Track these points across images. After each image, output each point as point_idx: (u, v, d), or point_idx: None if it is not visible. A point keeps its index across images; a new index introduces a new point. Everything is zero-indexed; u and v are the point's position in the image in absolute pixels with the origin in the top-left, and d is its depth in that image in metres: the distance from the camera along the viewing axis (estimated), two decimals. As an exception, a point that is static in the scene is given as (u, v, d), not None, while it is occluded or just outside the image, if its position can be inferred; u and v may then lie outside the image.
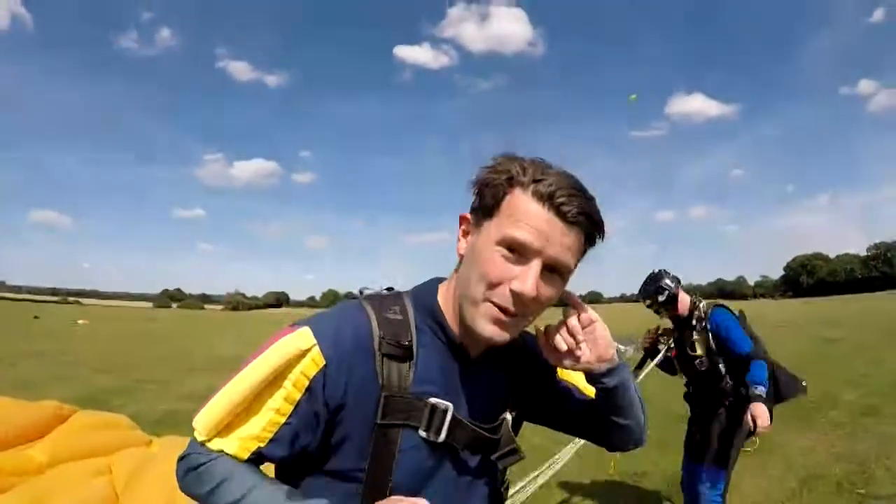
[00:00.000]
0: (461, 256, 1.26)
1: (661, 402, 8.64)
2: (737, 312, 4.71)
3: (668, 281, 4.81)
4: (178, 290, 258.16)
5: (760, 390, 4.26)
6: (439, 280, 1.37)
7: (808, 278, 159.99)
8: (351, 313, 1.24)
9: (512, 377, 1.41)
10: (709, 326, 4.66)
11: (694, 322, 4.76)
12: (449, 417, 1.23)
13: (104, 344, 26.62)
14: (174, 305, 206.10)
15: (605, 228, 1.21)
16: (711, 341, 4.65)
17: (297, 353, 1.15)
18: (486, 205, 1.19)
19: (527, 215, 1.14)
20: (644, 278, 4.94)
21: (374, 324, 1.22)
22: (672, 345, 5.05)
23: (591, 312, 1.30)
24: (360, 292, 1.34)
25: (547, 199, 1.13)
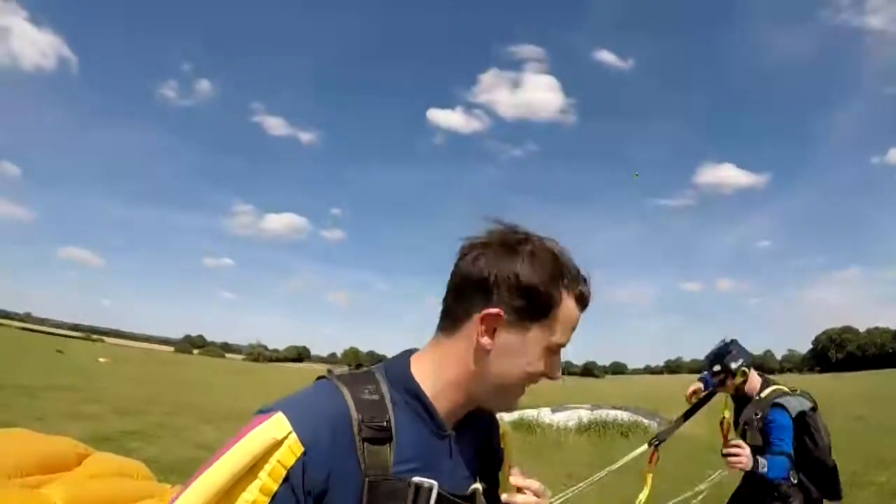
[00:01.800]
0: (486, 351, 1.25)
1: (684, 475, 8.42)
2: (808, 406, 4.51)
3: (737, 357, 4.57)
4: (201, 336, 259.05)
5: (762, 467, 4.17)
6: (410, 352, 1.36)
7: (836, 353, 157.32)
8: (326, 396, 1.21)
9: (480, 450, 1.41)
10: (764, 420, 4.49)
11: (757, 413, 4.53)
12: (434, 495, 1.20)
13: (124, 384, 26.71)
14: (195, 351, 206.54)
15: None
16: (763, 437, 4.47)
17: (272, 442, 1.11)
18: (537, 310, 1.23)
19: (572, 321, 1.27)
20: (714, 347, 4.70)
21: (352, 407, 1.19)
22: (727, 417, 4.75)
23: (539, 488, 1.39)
24: (330, 372, 1.31)
25: (581, 300, 1.28)
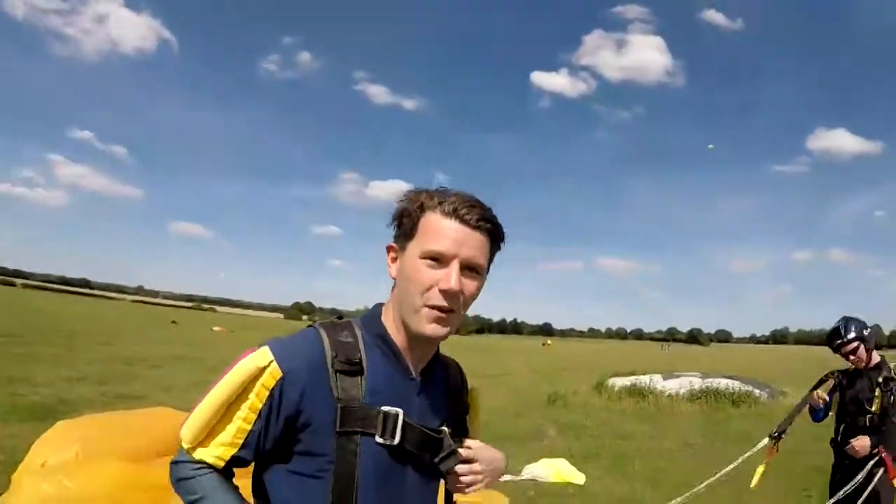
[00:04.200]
0: (394, 279, 1.51)
1: (798, 452, 8.64)
2: None
3: (865, 325, 4.77)
4: (309, 303, 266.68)
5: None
6: (382, 304, 1.58)
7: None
8: (306, 336, 1.46)
9: (449, 401, 1.63)
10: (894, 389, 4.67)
11: (881, 379, 4.72)
12: (400, 421, 1.42)
13: (240, 352, 27.58)
14: (304, 318, 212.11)
15: (503, 231, 1.51)
16: (891, 405, 4.65)
17: (256, 369, 1.36)
18: (406, 230, 1.45)
19: (440, 229, 1.40)
20: (836, 323, 4.86)
21: (327, 344, 1.42)
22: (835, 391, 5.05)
23: (488, 452, 1.62)
24: (314, 321, 1.54)
25: (452, 213, 1.41)
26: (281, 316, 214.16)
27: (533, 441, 11.31)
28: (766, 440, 5.13)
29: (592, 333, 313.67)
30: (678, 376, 20.86)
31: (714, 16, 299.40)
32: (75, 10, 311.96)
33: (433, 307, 1.41)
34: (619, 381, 19.81)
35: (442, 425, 1.55)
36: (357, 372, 1.41)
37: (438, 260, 1.40)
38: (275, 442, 1.38)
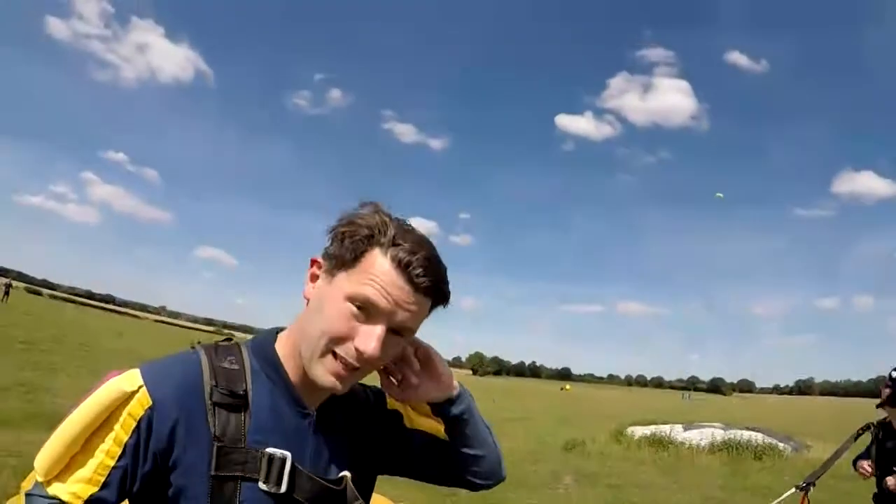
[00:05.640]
0: (307, 300, 1.26)
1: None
2: None
3: None
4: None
5: None
6: (279, 329, 1.33)
7: None
8: (183, 360, 1.21)
9: (354, 434, 1.36)
10: None
11: None
12: (288, 466, 1.16)
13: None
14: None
15: (451, 297, 1.26)
16: None
17: (122, 394, 1.11)
18: (342, 255, 1.18)
19: (381, 276, 1.15)
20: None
21: (206, 372, 1.18)
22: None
23: (428, 347, 1.35)
24: (199, 343, 1.29)
25: (403, 266, 1.15)
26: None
27: (548, 489, 11.12)
28: (792, 490, 5.02)
29: (611, 379, 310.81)
30: (699, 427, 20.57)
31: (738, 58, 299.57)
32: (117, 37, 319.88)
33: (340, 359, 1.18)
34: (639, 430, 19.57)
35: (348, 468, 1.30)
36: (240, 406, 1.18)
37: (365, 310, 1.16)
38: (143, 482, 1.13)
